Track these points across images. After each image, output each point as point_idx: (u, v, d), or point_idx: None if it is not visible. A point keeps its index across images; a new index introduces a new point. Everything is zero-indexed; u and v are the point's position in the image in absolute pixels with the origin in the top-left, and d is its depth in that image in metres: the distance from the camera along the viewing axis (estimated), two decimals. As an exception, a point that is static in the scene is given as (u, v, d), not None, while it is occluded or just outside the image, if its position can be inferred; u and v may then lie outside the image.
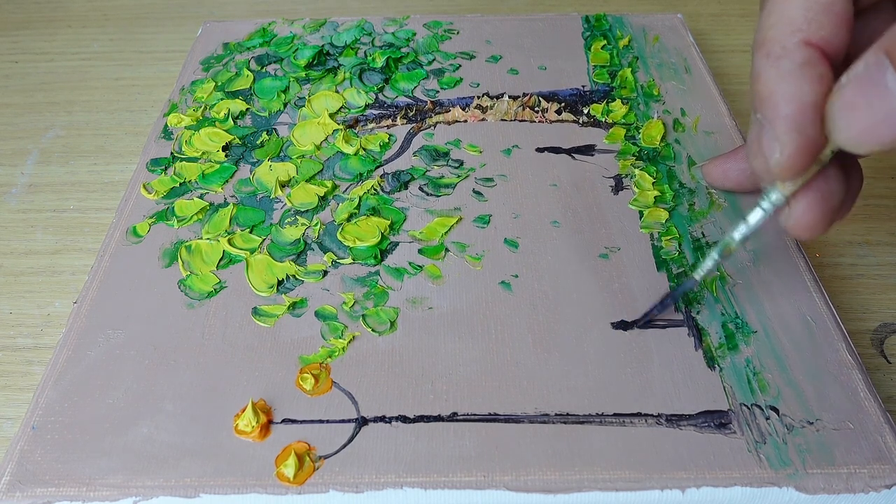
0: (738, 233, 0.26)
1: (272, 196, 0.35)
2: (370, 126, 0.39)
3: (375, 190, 0.35)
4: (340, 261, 0.31)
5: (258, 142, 0.38)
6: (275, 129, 0.39)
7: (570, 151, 0.37)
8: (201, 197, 0.35)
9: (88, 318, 0.29)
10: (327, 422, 0.26)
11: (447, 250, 0.32)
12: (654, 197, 0.34)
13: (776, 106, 0.21)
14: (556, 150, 0.37)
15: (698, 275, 0.27)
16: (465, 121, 0.39)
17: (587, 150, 0.37)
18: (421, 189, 0.35)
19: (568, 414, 0.26)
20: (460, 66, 0.43)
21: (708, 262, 0.27)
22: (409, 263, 0.31)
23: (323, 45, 0.44)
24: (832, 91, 0.21)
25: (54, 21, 0.54)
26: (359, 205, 0.34)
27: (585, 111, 0.39)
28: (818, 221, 0.24)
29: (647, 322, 0.28)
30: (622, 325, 0.28)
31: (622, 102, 0.40)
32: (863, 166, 0.26)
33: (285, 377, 0.27)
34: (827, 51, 0.21)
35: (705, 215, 0.33)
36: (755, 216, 0.25)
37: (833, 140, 0.21)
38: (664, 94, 0.40)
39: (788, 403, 0.26)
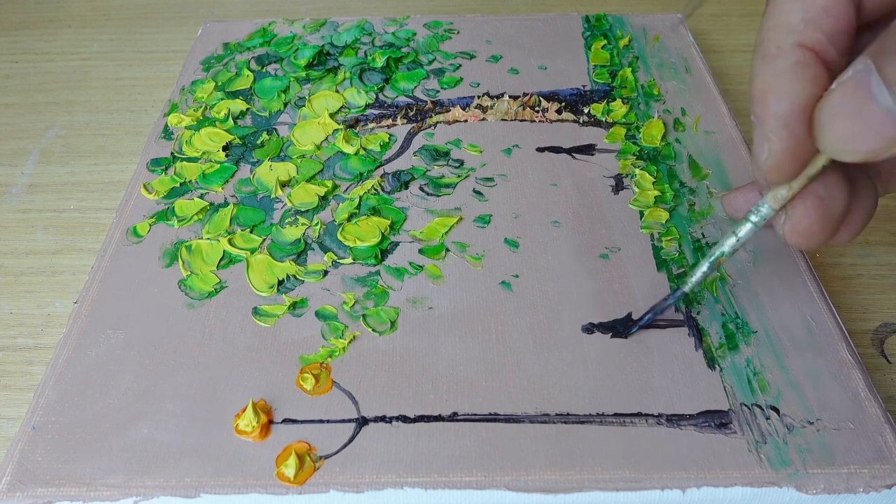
0: (728, 246, 0.25)
1: (272, 196, 0.35)
2: (370, 126, 0.39)
3: (376, 190, 0.35)
4: (341, 261, 0.31)
5: (258, 142, 0.38)
6: (275, 129, 0.39)
7: (570, 151, 0.37)
8: (201, 197, 0.35)
9: (88, 318, 0.29)
10: (328, 422, 0.26)
11: (447, 250, 0.32)
12: (655, 197, 0.34)
13: (767, 104, 0.21)
14: (556, 150, 0.37)
15: (687, 286, 0.27)
16: (466, 120, 0.39)
17: (587, 149, 0.37)
18: (421, 189, 0.35)
19: (568, 414, 0.26)
20: (460, 65, 0.43)
21: (697, 274, 0.27)
22: (410, 263, 0.31)
23: (323, 45, 0.44)
24: (822, 97, 0.20)
25: (54, 21, 0.54)
26: (359, 205, 0.34)
27: (586, 111, 0.39)
28: (816, 228, 0.23)
29: (635, 331, 0.28)
30: (611, 329, 0.28)
31: (622, 102, 0.40)
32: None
33: (286, 377, 0.27)
34: (824, 55, 0.21)
35: (706, 216, 0.33)
36: (745, 229, 0.25)
37: (820, 146, 0.21)
38: (664, 94, 0.40)
39: (788, 403, 0.26)
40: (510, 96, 0.40)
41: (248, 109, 0.40)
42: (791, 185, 0.23)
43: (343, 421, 0.26)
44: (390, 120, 0.39)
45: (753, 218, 0.24)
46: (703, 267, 0.26)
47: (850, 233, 0.24)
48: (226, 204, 0.34)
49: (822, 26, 0.21)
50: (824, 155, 0.21)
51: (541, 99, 0.40)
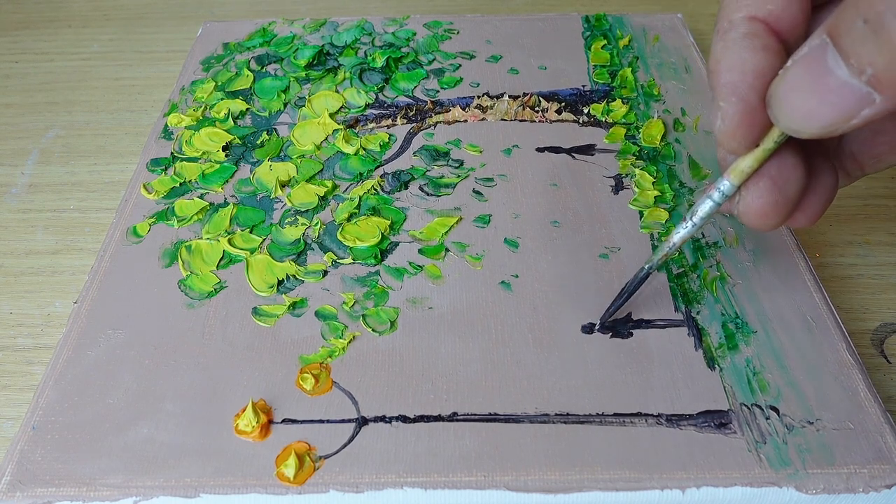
0: (689, 223, 0.25)
1: (272, 196, 0.35)
2: (370, 126, 0.39)
3: (375, 190, 0.35)
4: (340, 261, 0.31)
5: (258, 142, 0.38)
6: (275, 128, 0.39)
7: (570, 151, 0.37)
8: (201, 197, 0.35)
9: (88, 318, 0.29)
10: (327, 422, 0.26)
11: (447, 250, 0.32)
12: (655, 197, 0.34)
13: (719, 74, 0.21)
14: (556, 150, 0.37)
15: (650, 264, 0.27)
16: (465, 120, 0.39)
17: (587, 149, 0.37)
18: (421, 189, 0.35)
19: (568, 414, 0.26)
20: (460, 65, 0.43)
21: (659, 253, 0.26)
22: (410, 263, 0.31)
23: (323, 45, 0.44)
24: (777, 75, 0.20)
25: (54, 21, 0.54)
26: (359, 205, 0.34)
27: (586, 111, 0.39)
28: (769, 210, 0.23)
29: (610, 319, 0.28)
30: (589, 329, 0.28)
31: (622, 102, 0.40)
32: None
33: (285, 377, 0.27)
34: (776, 26, 0.21)
35: (705, 215, 0.33)
36: (705, 207, 0.24)
37: (777, 123, 0.21)
38: (664, 94, 0.40)
39: (788, 403, 0.26)
40: (510, 96, 0.40)
41: (247, 109, 0.40)
42: (750, 157, 0.22)
43: (343, 421, 0.26)
44: (390, 120, 0.39)
45: (715, 195, 0.24)
46: (665, 247, 0.26)
47: (807, 217, 0.24)
48: (226, 204, 0.34)
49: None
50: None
51: (541, 99, 0.40)
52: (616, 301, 0.28)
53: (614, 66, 0.43)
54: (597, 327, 0.28)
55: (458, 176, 0.35)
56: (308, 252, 0.32)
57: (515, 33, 0.46)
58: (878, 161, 0.24)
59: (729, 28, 0.22)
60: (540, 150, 0.37)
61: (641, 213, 0.33)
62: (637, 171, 0.35)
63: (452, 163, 0.36)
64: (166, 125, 0.39)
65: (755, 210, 0.23)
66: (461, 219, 0.33)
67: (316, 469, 0.24)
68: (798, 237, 0.32)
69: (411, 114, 0.39)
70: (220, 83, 0.42)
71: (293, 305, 0.30)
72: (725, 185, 0.23)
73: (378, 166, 0.36)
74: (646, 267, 0.27)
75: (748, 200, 0.23)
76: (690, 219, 0.25)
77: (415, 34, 0.46)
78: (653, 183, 0.35)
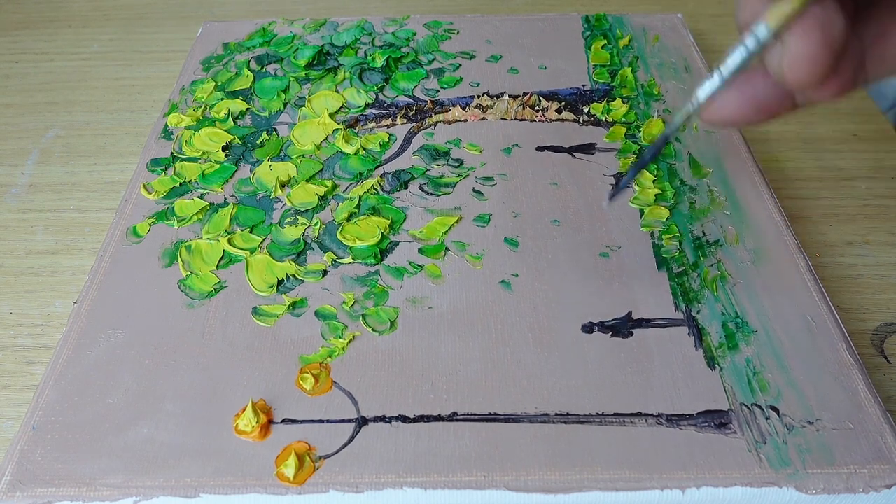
0: (717, 75, 0.22)
1: (272, 196, 0.35)
2: (370, 126, 0.39)
3: (375, 189, 0.35)
4: (340, 260, 0.31)
5: (258, 142, 0.38)
6: (275, 128, 0.39)
7: (570, 150, 0.37)
8: (201, 197, 0.35)
9: (88, 318, 0.29)
10: (327, 422, 0.26)
11: (447, 249, 0.32)
12: (655, 195, 0.34)
13: None
14: (556, 149, 0.37)
15: (672, 126, 0.24)
16: (465, 120, 0.39)
17: (587, 148, 0.37)
18: (421, 188, 0.35)
19: (568, 414, 0.26)
20: (460, 65, 0.43)
21: (683, 113, 0.24)
22: (409, 263, 0.31)
23: (323, 45, 0.44)
24: None
25: (54, 21, 0.54)
26: (359, 204, 0.34)
27: (586, 110, 0.39)
28: (817, 54, 0.21)
29: (619, 191, 0.26)
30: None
31: (622, 101, 0.40)
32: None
33: (285, 377, 0.27)
34: None
35: (706, 213, 0.33)
36: (736, 57, 0.22)
37: None
38: (664, 94, 0.40)
39: (788, 403, 0.26)
40: (510, 96, 0.40)
41: (247, 109, 0.40)
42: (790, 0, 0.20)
43: (343, 421, 0.26)
44: (390, 120, 0.39)
45: (749, 42, 0.21)
46: (693, 102, 0.23)
47: (841, 82, 0.22)
48: (225, 204, 0.34)
49: None
50: None
51: (541, 98, 0.40)
52: (634, 165, 0.26)
53: (614, 65, 0.43)
54: (605, 203, 0.26)
55: (458, 175, 0.35)
56: (308, 252, 0.32)
57: (515, 33, 0.46)
58: (882, 63, 0.23)
59: None
60: (540, 149, 0.37)
61: (642, 212, 0.33)
62: (637, 170, 0.35)
63: (452, 162, 0.36)
64: (166, 125, 0.39)
65: (804, 55, 0.21)
66: (461, 218, 0.33)
67: (316, 469, 0.24)
68: (798, 237, 0.32)
69: (411, 113, 0.39)
70: (220, 83, 0.42)
71: (293, 305, 0.30)
72: (762, 29, 0.21)
73: (378, 166, 0.36)
74: (666, 130, 0.24)
75: (794, 47, 0.21)
76: (719, 69, 0.22)
77: (415, 34, 0.46)
78: (653, 181, 0.35)
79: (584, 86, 0.41)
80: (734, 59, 0.22)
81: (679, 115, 0.24)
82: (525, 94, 0.41)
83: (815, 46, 0.21)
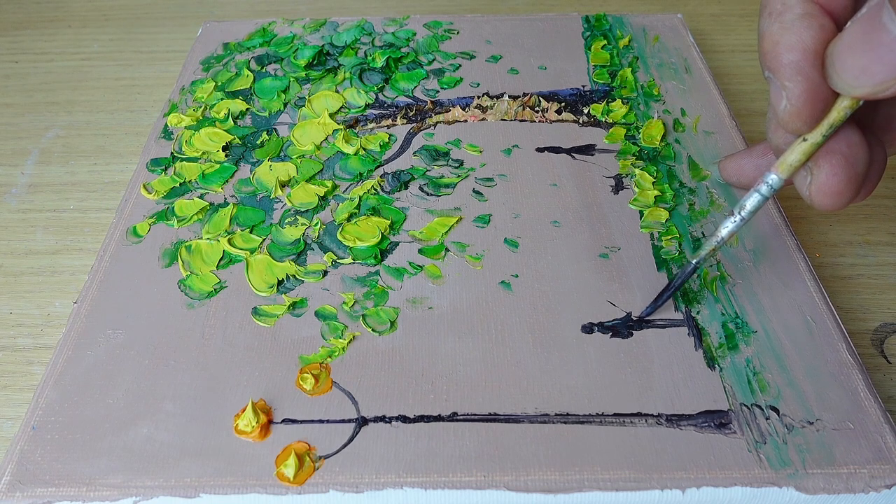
0: (738, 217, 0.26)
1: (272, 196, 0.35)
2: (370, 126, 0.39)
3: (375, 190, 0.35)
4: (340, 261, 0.31)
5: (258, 142, 0.38)
6: (275, 129, 0.39)
7: (570, 151, 0.37)
8: (201, 197, 0.35)
9: (88, 318, 0.29)
10: (327, 422, 0.26)
11: (447, 250, 0.32)
12: (655, 196, 0.34)
13: (779, 56, 0.22)
14: (556, 150, 0.37)
15: (698, 259, 0.28)
16: (465, 120, 0.39)
17: (587, 149, 0.37)
18: (421, 189, 0.35)
19: (568, 414, 0.26)
20: (460, 65, 0.43)
21: (707, 247, 0.27)
22: (409, 263, 0.31)
23: (323, 45, 0.44)
24: (836, 37, 0.21)
25: (54, 21, 0.54)
26: (359, 205, 0.34)
27: (585, 111, 0.39)
28: (843, 187, 0.23)
29: (649, 315, 0.29)
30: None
31: (622, 102, 0.40)
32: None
33: (285, 377, 0.27)
34: (828, 7, 0.22)
35: (705, 215, 0.33)
36: (753, 201, 0.25)
37: (832, 83, 0.21)
38: (664, 94, 0.40)
39: (788, 403, 0.26)
40: (510, 96, 0.40)
41: (247, 109, 0.40)
42: (797, 151, 0.23)
43: (343, 421, 0.26)
44: (390, 120, 0.39)
45: (763, 188, 0.25)
46: (712, 241, 0.27)
47: (867, 191, 0.25)
48: (225, 204, 0.34)
49: None
50: (839, 106, 0.22)
51: (541, 99, 0.40)
52: (662, 295, 0.28)
53: (614, 66, 0.43)
54: (635, 318, 0.28)
55: (458, 176, 0.35)
56: (308, 252, 0.32)
57: (515, 33, 0.46)
58: None
59: (783, 10, 0.22)
60: (540, 150, 0.37)
61: (641, 213, 0.33)
62: (637, 171, 0.35)
63: (452, 163, 0.36)
64: (166, 125, 0.39)
65: (831, 188, 0.23)
66: (461, 219, 0.33)
67: (316, 469, 0.24)
68: (798, 237, 0.32)
69: (411, 114, 0.39)
70: (220, 83, 0.42)
71: (293, 305, 0.30)
72: (773, 178, 0.24)
73: (378, 166, 0.36)
74: (693, 262, 0.28)
75: (822, 180, 0.23)
76: (739, 213, 0.26)
77: (415, 34, 0.46)
78: (653, 183, 0.35)
79: (583, 86, 0.41)
80: (752, 203, 0.26)
81: (705, 250, 0.27)
82: (525, 94, 0.41)
83: (842, 183, 0.24)
